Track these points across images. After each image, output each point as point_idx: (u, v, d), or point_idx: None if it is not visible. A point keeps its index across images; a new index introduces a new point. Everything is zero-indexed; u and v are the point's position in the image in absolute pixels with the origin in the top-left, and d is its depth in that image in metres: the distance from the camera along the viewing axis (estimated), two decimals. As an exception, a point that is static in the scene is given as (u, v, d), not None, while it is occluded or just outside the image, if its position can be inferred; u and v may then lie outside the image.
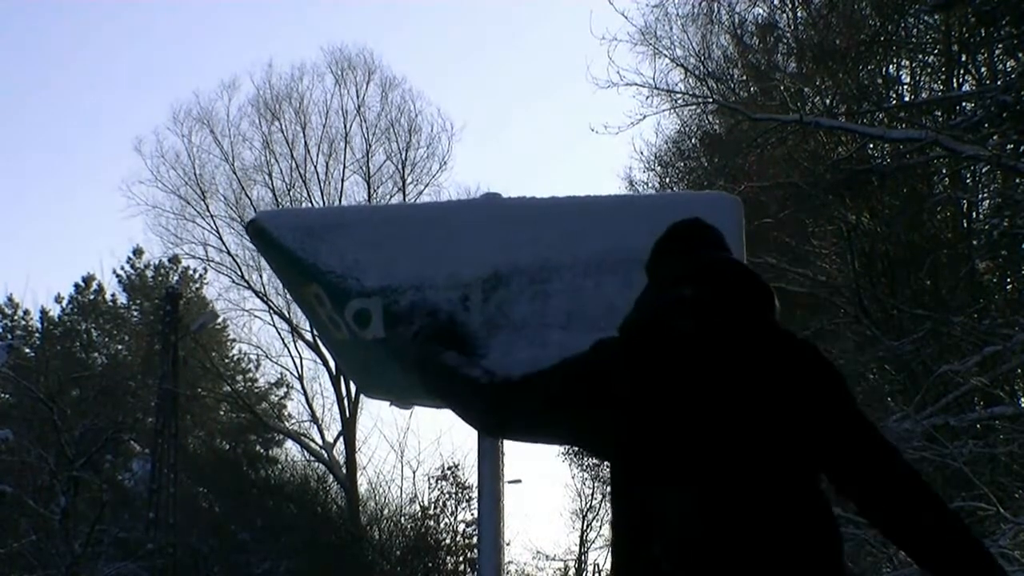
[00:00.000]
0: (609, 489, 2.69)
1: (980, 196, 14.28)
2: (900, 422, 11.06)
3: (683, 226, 2.85)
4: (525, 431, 2.96)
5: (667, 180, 22.51)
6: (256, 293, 30.88)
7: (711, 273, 2.66)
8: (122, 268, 34.95)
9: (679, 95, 18.61)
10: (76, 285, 34.41)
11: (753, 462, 2.44)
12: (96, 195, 55.68)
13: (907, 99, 15.50)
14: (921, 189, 14.55)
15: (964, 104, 13.63)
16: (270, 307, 30.88)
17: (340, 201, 30.49)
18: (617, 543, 2.58)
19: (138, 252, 34.83)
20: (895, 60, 15.75)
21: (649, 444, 2.50)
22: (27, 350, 29.91)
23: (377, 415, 34.02)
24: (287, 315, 30.45)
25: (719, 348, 2.55)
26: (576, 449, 33.42)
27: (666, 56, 18.52)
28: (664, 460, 2.47)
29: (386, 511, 28.68)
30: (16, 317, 33.43)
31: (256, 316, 31.97)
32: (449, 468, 28.53)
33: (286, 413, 33.66)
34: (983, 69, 14.44)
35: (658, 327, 2.61)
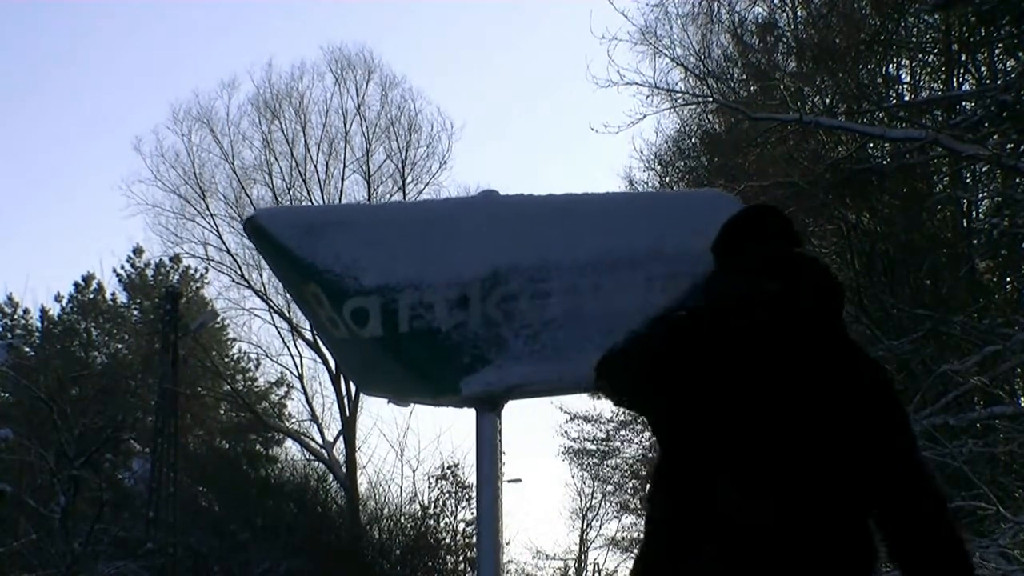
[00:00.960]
0: (654, 478, 2.64)
1: (980, 195, 14.27)
2: (900, 421, 11.05)
3: (759, 213, 2.81)
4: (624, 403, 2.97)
5: (667, 179, 22.50)
6: (256, 292, 30.89)
7: (795, 269, 2.63)
8: (122, 267, 34.95)
9: (679, 94, 18.61)
10: (76, 284, 34.39)
11: (824, 475, 2.43)
12: (96, 194, 55.66)
13: (907, 98, 15.50)
14: (921, 189, 14.55)
15: (964, 104, 13.63)
16: (270, 306, 30.90)
17: (340, 200, 30.48)
18: (659, 537, 2.54)
19: (138, 251, 34.82)
20: (895, 59, 15.75)
21: (718, 440, 2.47)
22: (27, 349, 29.89)
23: (377, 414, 34.11)
24: (287, 314, 30.45)
25: (798, 348, 2.53)
26: (576, 448, 33.48)
27: (666, 55, 18.53)
28: (733, 459, 2.44)
29: (386, 510, 28.69)
30: (16, 316, 33.40)
31: (256, 315, 32.00)
32: (449, 467, 28.55)
33: (286, 412, 33.67)
34: (983, 68, 14.44)
35: (737, 319, 2.57)
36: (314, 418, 31.49)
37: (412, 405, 3.57)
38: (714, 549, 2.38)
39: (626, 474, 32.89)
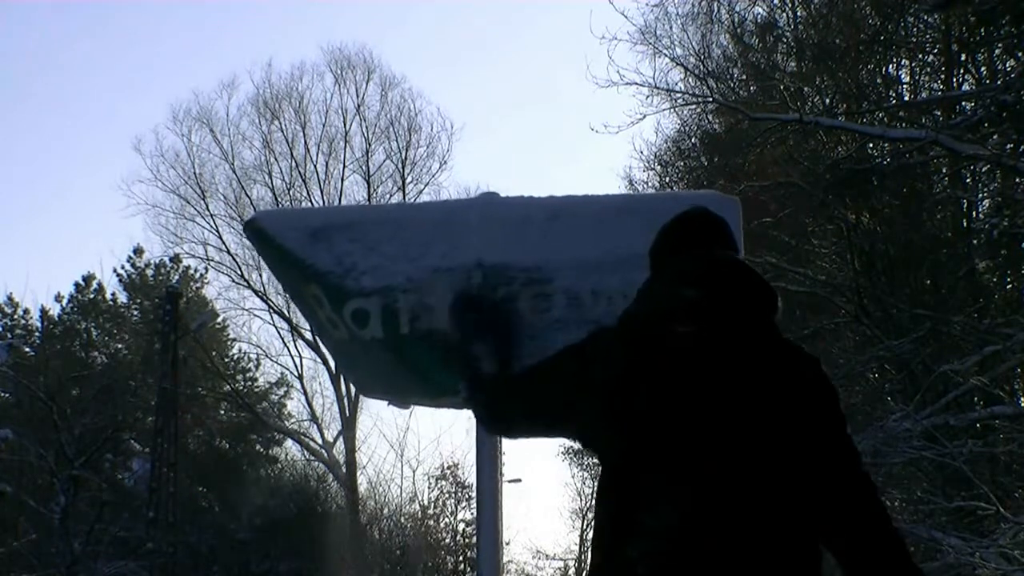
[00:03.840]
0: (596, 488, 2.66)
1: (980, 195, 14.27)
2: (900, 421, 11.07)
3: (690, 217, 2.76)
4: (526, 427, 2.96)
5: (667, 179, 22.50)
6: (256, 292, 30.92)
7: (715, 274, 2.58)
8: (122, 267, 34.92)
9: (679, 94, 18.59)
10: (76, 284, 34.32)
11: (739, 478, 2.40)
12: (96, 194, 55.57)
13: (907, 98, 15.50)
14: (921, 189, 14.55)
15: (964, 104, 13.63)
16: (270, 306, 30.92)
17: (340, 200, 30.46)
18: (596, 541, 2.57)
19: (138, 251, 34.79)
20: (895, 59, 15.75)
21: (636, 448, 2.47)
22: (27, 349, 29.84)
23: (377, 414, 34.01)
24: (287, 314, 30.46)
25: (717, 356, 2.50)
26: (576, 448, 33.47)
27: (666, 55, 18.49)
28: (651, 466, 2.44)
29: (386, 510, 28.71)
30: (16, 316, 33.34)
31: (256, 315, 32.02)
32: (449, 467, 28.59)
33: (286, 412, 33.66)
34: (983, 69, 14.44)
35: (657, 328, 2.55)
36: (314, 418, 31.52)
37: (412, 406, 3.57)
38: (635, 552, 2.40)
39: (626, 474, 32.85)
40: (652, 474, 2.44)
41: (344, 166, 31.42)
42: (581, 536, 36.73)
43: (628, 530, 2.43)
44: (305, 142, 31.41)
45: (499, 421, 3.00)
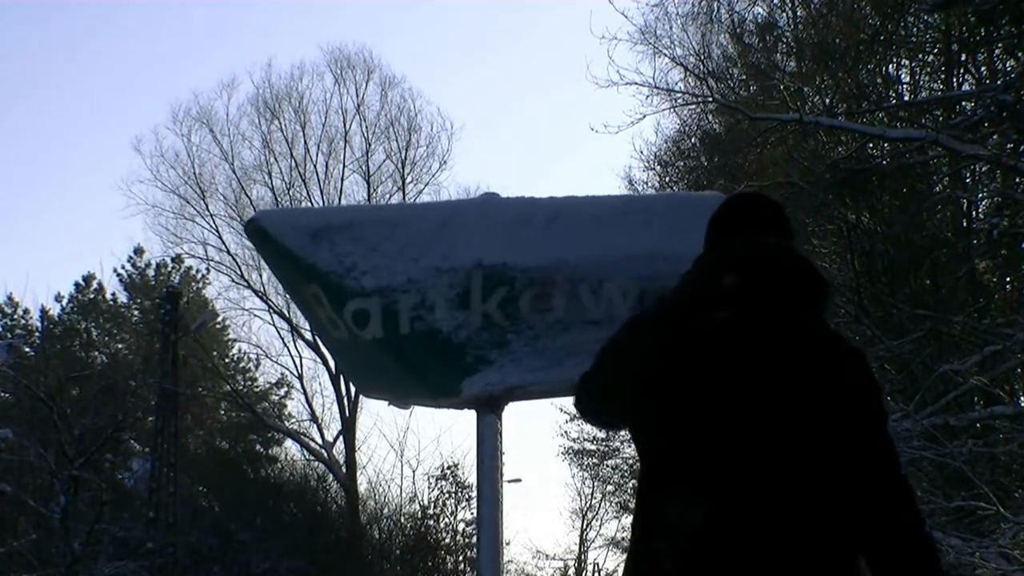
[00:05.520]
0: (638, 480, 2.62)
1: (980, 195, 14.26)
2: (900, 422, 11.06)
3: (737, 202, 2.70)
4: (602, 421, 2.96)
5: (667, 180, 22.49)
6: (256, 292, 30.91)
7: (755, 261, 2.49)
8: (122, 267, 34.95)
9: (679, 94, 18.60)
10: (76, 284, 34.40)
11: (769, 474, 2.35)
12: (96, 194, 55.65)
13: (907, 98, 15.49)
14: (921, 189, 14.54)
15: (964, 103, 13.63)
16: (270, 306, 30.91)
17: (340, 200, 30.47)
18: (634, 530, 2.54)
19: (139, 251, 34.82)
20: (895, 59, 15.74)
21: (668, 438, 2.44)
22: (27, 349, 29.83)
23: (377, 414, 34.07)
24: (287, 314, 30.45)
25: (753, 345, 2.42)
26: (576, 448, 33.47)
27: (666, 55, 18.50)
28: (682, 457, 2.41)
29: (386, 510, 28.71)
30: (16, 316, 33.38)
31: (256, 315, 32.03)
32: (449, 467, 28.56)
33: (286, 412, 33.67)
34: (983, 69, 14.43)
35: (693, 316, 2.48)
36: (314, 418, 31.51)
37: (412, 406, 3.57)
38: (664, 548, 2.37)
39: (626, 474, 32.86)
40: (683, 466, 2.40)
41: (344, 166, 31.45)
42: (581, 536, 36.77)
43: (657, 523, 2.41)
44: (305, 142, 31.43)
45: (583, 414, 2.91)
